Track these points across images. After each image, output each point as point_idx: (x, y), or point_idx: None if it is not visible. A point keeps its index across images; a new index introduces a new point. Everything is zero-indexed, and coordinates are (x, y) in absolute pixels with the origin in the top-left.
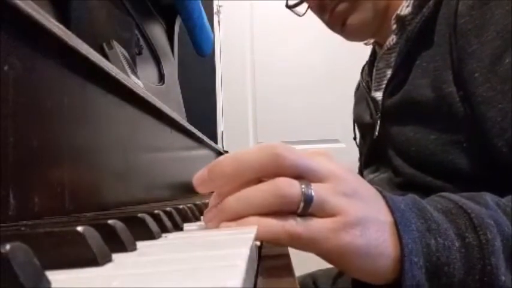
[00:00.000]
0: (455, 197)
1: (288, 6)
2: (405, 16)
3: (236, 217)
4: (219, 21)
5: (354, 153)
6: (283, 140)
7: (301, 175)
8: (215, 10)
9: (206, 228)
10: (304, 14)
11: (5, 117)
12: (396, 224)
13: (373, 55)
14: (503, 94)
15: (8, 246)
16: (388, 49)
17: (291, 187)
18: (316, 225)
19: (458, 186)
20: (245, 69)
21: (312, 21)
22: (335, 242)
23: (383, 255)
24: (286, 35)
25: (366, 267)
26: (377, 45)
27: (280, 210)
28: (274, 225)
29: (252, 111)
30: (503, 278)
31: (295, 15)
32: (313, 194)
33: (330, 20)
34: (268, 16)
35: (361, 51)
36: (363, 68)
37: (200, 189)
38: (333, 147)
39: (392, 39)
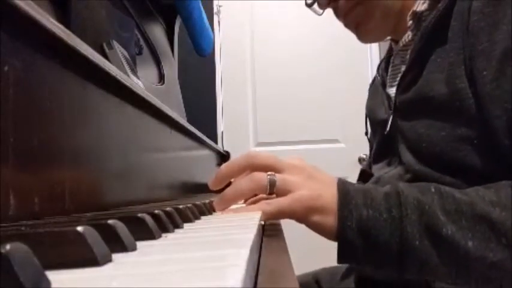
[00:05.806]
0: (405, 184)
1: (307, 5)
2: (421, 12)
3: (231, 200)
4: (219, 21)
5: (354, 153)
6: (283, 140)
7: (269, 170)
8: (215, 10)
9: (207, 225)
10: (322, 13)
11: (5, 117)
12: (339, 197)
13: (390, 51)
14: (510, 94)
15: (8, 246)
16: (404, 46)
17: (260, 175)
18: (281, 200)
19: (468, 183)
20: (245, 69)
21: (312, 22)
22: (295, 206)
23: (330, 213)
24: (286, 35)
25: (319, 222)
26: (393, 42)
27: (257, 192)
28: (254, 208)
29: (252, 111)
30: (417, 242)
31: (295, 16)
32: (275, 178)
33: (344, 23)
34: (268, 16)
35: (362, 52)
36: (380, 64)
37: (213, 188)
38: (333, 147)
39: (408, 35)
